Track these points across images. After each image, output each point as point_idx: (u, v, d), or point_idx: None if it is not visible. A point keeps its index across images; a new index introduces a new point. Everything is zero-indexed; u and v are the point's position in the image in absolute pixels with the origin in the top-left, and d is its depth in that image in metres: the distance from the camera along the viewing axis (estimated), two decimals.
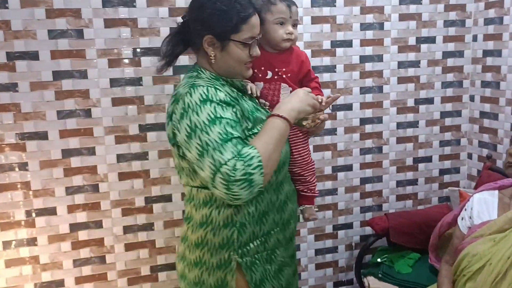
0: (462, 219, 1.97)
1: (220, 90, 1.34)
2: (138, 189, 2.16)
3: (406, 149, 2.63)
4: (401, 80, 2.56)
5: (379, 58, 2.50)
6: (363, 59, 2.48)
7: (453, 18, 2.58)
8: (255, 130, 1.40)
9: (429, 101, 2.62)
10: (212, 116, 1.27)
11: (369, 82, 2.50)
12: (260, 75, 1.65)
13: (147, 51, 2.09)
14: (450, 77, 2.64)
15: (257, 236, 1.44)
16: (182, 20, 1.47)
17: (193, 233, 1.44)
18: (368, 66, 2.49)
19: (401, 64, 2.54)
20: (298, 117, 1.41)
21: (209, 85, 1.33)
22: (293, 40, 1.66)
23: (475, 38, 2.62)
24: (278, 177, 1.48)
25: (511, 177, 1.84)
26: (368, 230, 2.61)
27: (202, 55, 1.43)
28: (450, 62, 2.62)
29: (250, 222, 1.41)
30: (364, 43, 2.47)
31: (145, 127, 2.12)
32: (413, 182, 2.68)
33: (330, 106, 1.63)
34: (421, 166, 2.67)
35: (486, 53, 2.55)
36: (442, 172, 2.72)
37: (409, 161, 2.65)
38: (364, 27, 2.45)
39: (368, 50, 2.48)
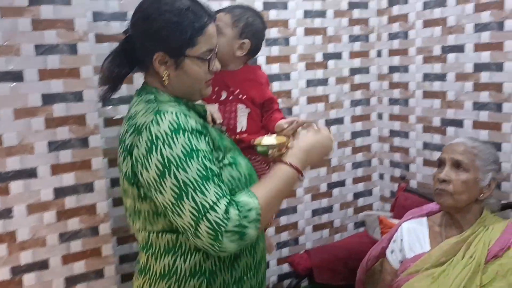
0: (392, 252, 1.81)
1: (189, 116, 1.14)
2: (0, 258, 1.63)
3: (320, 175, 2.42)
4: (311, 99, 2.35)
5: (287, 77, 2.27)
6: (270, 78, 2.20)
7: (357, 33, 2.45)
8: (226, 161, 1.22)
9: (339, 121, 2.45)
10: (188, 148, 1.07)
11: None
12: (214, 96, 1.49)
13: (5, 75, 1.58)
14: (358, 94, 2.49)
15: (228, 284, 1.25)
16: (125, 35, 1.27)
17: None
18: (276, 86, 2.24)
19: (309, 83, 2.33)
20: (310, 165, 1.27)
21: (177, 110, 1.13)
22: None
23: (379, 54, 2.51)
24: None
25: (441, 204, 1.70)
26: (286, 268, 2.34)
27: (152, 75, 1.23)
28: (357, 79, 2.48)
29: (221, 269, 1.23)
30: (270, 60, 2.21)
31: (6, 176, 1.61)
32: (329, 209, 2.48)
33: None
34: (335, 191, 2.48)
35: (392, 69, 2.45)
36: (356, 195, 2.56)
37: (323, 187, 2.44)
38: (269, 42, 2.19)
39: (275, 68, 2.23)
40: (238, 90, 1.52)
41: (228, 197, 1.08)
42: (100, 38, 1.81)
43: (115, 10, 1.83)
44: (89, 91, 1.68)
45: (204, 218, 1.03)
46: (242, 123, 1.52)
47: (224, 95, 1.51)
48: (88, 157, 1.71)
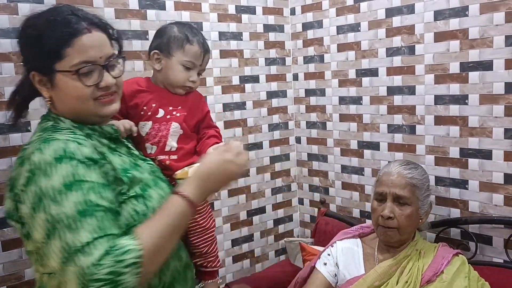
0: (325, 264, 1.74)
1: (83, 145, 1.03)
2: None
3: (239, 202, 2.31)
4: (228, 124, 2.25)
5: None
6: None
7: (274, 56, 2.41)
8: (132, 193, 1.10)
9: (258, 146, 2.37)
10: (70, 178, 0.96)
11: None
12: (149, 113, 1.43)
13: None
14: (276, 118, 2.44)
15: None
16: None
17: None
18: None
19: (226, 107, 2.23)
20: (210, 194, 1.13)
21: (68, 138, 1.02)
22: (193, 88, 1.50)
23: (295, 77, 2.49)
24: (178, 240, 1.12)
25: (387, 241, 1.66)
26: None
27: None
28: (275, 102, 2.43)
29: None
30: None
31: None
32: (249, 238, 2.37)
33: None
34: (255, 219, 2.38)
35: (309, 92, 2.43)
36: (276, 222, 2.48)
37: (243, 215, 2.33)
38: None
39: None
40: (180, 107, 1.46)
41: (113, 237, 0.94)
42: None
43: (5, 26, 1.62)
44: None
45: (71, 261, 0.90)
46: (171, 143, 1.44)
47: (161, 113, 1.44)
48: None
